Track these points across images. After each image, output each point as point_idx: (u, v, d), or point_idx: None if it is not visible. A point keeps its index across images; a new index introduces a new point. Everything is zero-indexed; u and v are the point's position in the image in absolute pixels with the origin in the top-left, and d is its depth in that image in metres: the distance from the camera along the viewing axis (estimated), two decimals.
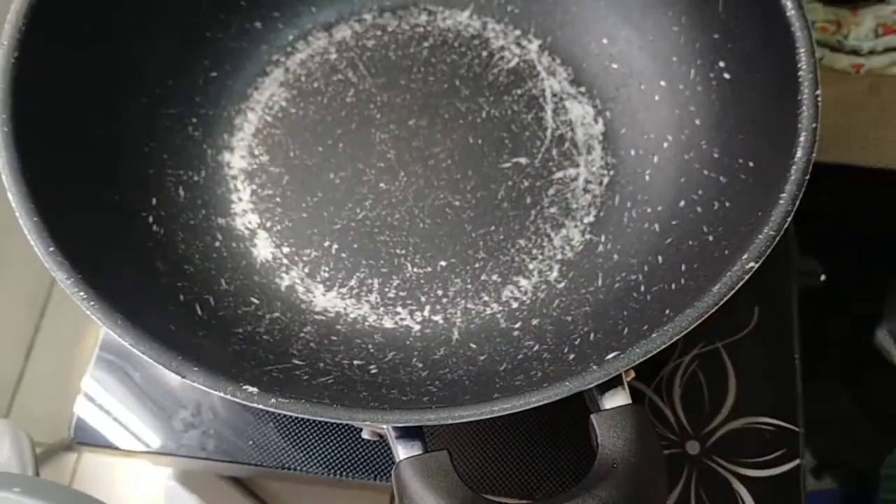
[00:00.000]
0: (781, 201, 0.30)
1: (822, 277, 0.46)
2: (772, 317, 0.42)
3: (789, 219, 0.30)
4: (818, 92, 0.32)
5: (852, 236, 0.70)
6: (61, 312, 0.57)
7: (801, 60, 0.33)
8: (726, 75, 0.38)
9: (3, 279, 0.54)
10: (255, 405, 0.27)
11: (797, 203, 0.30)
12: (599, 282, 0.37)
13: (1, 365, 0.53)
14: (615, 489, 0.25)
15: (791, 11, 0.33)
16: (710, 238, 0.34)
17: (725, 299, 0.29)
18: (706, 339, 0.42)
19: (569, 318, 0.37)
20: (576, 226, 0.39)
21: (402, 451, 0.27)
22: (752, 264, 0.29)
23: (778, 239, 0.29)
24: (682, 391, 0.41)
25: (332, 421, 0.27)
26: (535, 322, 0.37)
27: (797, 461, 0.39)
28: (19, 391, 0.53)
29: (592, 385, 0.28)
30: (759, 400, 0.40)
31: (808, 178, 0.31)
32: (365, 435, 0.32)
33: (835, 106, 0.70)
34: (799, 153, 0.31)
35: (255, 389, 0.27)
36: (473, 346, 0.37)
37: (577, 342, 0.35)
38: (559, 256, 0.39)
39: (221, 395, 0.27)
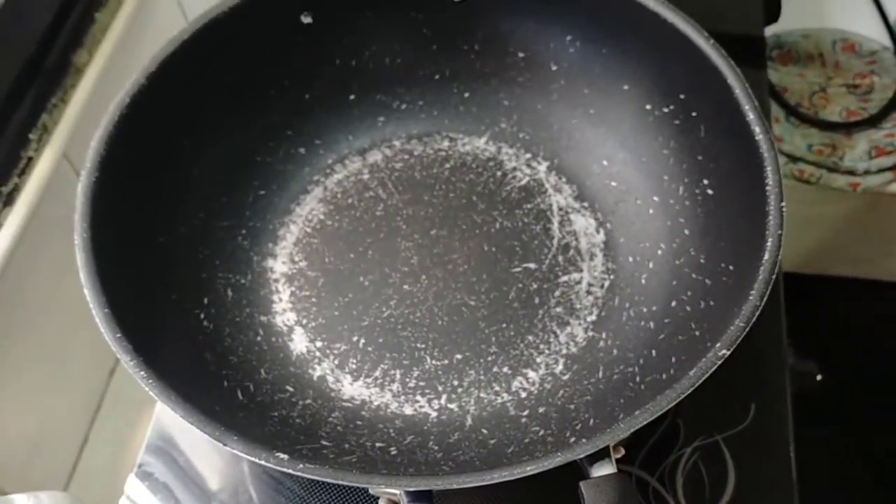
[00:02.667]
0: (751, 297, 0.34)
1: (819, 377, 0.49)
2: (768, 412, 0.45)
3: (758, 312, 0.34)
4: (783, 203, 0.36)
5: (856, 344, 0.72)
6: (115, 409, 0.61)
7: (768, 177, 0.37)
8: (710, 191, 0.43)
9: (64, 378, 0.59)
10: (285, 469, 0.31)
11: (765, 299, 0.34)
12: (600, 374, 0.41)
13: (57, 455, 0.58)
14: None
15: (759, 136, 0.38)
16: (697, 333, 0.38)
17: (700, 381, 0.32)
18: (706, 433, 0.45)
19: (572, 406, 0.40)
20: (579, 324, 0.44)
21: None
22: (724, 352, 0.33)
23: (747, 330, 0.33)
24: (683, 480, 0.43)
25: (353, 485, 0.31)
26: (541, 410, 0.41)
27: None
28: (72, 481, 0.57)
29: (581, 456, 0.31)
30: (757, 491, 0.43)
31: (775, 277, 0.35)
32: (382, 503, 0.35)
33: (837, 222, 0.74)
34: (766, 256, 0.35)
35: (285, 456, 0.32)
36: (485, 431, 0.40)
37: (578, 427, 0.38)
38: (564, 351, 0.43)
39: (257, 461, 0.32)
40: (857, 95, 0.75)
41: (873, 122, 0.72)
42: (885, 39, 0.79)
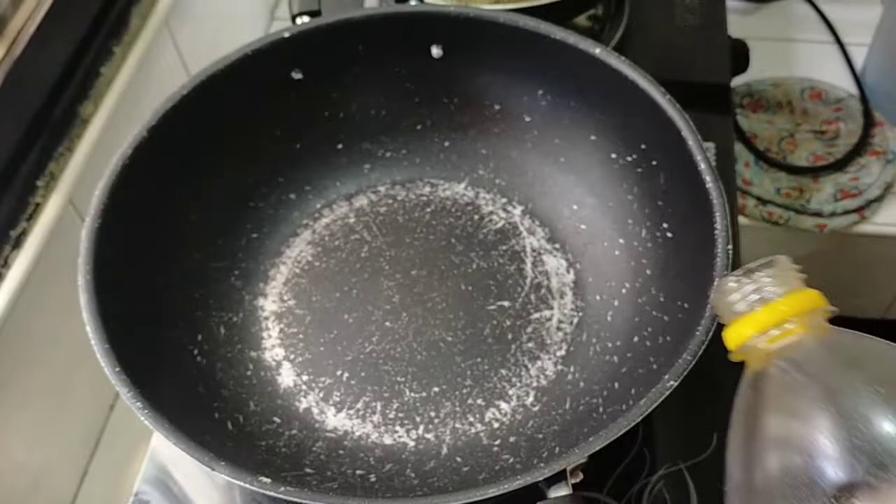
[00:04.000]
0: (697, 333, 0.37)
1: None
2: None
3: (703, 346, 0.37)
4: (730, 246, 0.40)
5: None
6: (114, 443, 0.64)
7: (717, 221, 0.41)
8: (669, 234, 0.46)
9: (66, 413, 0.61)
10: (268, 493, 0.34)
11: (710, 334, 0.37)
12: (567, 405, 0.44)
13: (58, 486, 0.60)
14: None
15: (709, 184, 0.42)
16: (655, 366, 0.41)
17: (650, 410, 0.35)
18: (671, 461, 0.47)
19: (540, 436, 0.43)
20: (549, 358, 0.47)
21: None
22: (671, 382, 0.36)
23: (693, 363, 0.36)
24: None
25: None
26: (511, 439, 0.43)
27: None
28: None
29: (539, 479, 0.34)
30: None
31: None
32: None
33: (805, 262, 0.77)
34: (713, 294, 0.38)
35: (268, 480, 0.34)
36: (459, 459, 0.43)
37: (544, 455, 0.41)
38: (535, 384, 0.46)
39: (241, 484, 0.34)
40: (823, 141, 0.78)
41: (839, 166, 0.76)
42: (852, 87, 0.83)
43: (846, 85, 0.84)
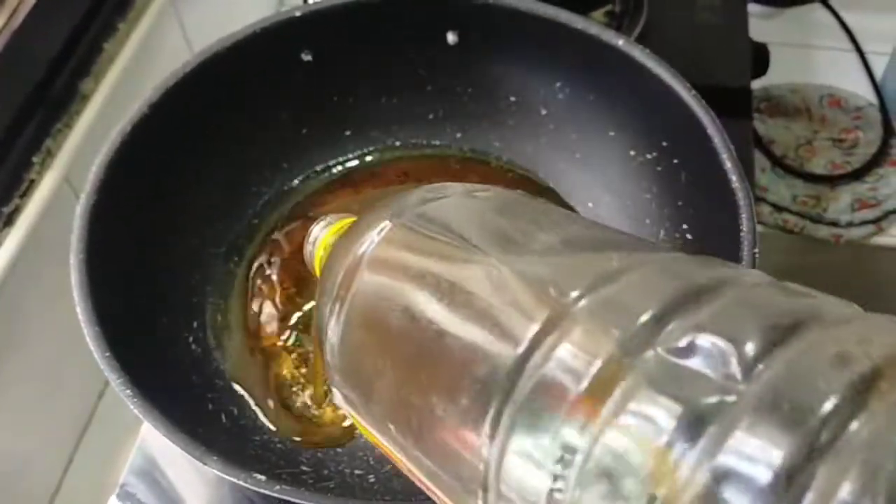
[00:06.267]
0: None
1: None
2: None
3: None
4: (756, 250, 0.38)
5: None
6: (101, 432, 0.62)
7: (743, 223, 0.39)
8: (689, 235, 0.44)
9: (54, 399, 0.60)
10: (262, 490, 0.32)
11: None
12: None
13: (42, 474, 0.58)
14: None
15: (735, 184, 0.40)
16: None
17: None
18: None
19: None
20: None
21: None
22: None
23: None
24: None
25: None
26: None
27: None
28: (56, 501, 0.58)
29: None
30: None
31: None
32: None
33: (820, 272, 0.75)
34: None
35: (262, 477, 0.32)
36: None
37: None
38: None
39: (234, 480, 0.32)
40: (842, 149, 0.77)
41: (857, 175, 0.74)
42: (871, 96, 0.82)
43: (866, 94, 0.82)
